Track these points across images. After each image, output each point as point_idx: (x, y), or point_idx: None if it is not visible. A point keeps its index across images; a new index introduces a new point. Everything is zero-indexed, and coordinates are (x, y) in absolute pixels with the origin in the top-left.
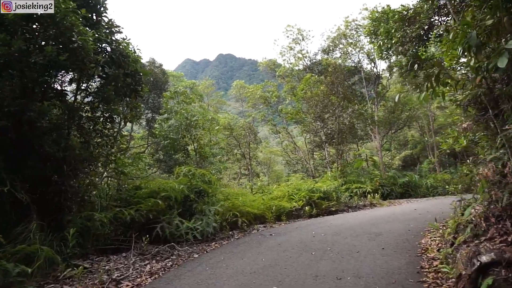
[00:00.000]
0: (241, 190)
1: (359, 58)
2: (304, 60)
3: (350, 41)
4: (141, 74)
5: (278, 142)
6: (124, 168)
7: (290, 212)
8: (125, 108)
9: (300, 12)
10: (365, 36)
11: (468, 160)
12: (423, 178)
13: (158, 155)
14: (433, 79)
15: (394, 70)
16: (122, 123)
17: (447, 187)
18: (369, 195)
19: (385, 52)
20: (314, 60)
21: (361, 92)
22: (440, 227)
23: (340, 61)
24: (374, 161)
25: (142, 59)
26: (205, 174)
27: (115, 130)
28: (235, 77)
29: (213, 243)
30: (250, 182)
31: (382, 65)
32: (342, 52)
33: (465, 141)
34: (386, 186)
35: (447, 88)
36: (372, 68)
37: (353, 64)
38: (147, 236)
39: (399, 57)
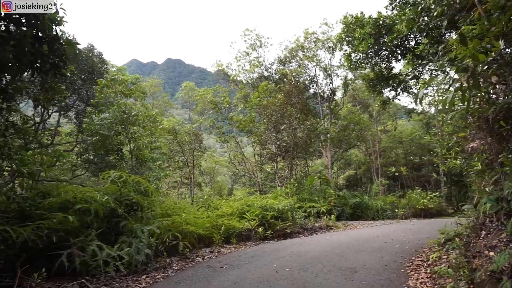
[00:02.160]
0: (184, 203)
1: (315, 72)
2: (260, 68)
3: (308, 54)
4: (62, 43)
5: (225, 151)
6: (24, 167)
7: (240, 232)
8: (39, 89)
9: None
10: (335, 43)
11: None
12: (372, 200)
13: (87, 155)
14: (468, 75)
15: (349, 88)
16: (46, 115)
17: (396, 210)
18: (324, 216)
19: (354, 62)
20: (270, 70)
21: (314, 107)
22: (422, 262)
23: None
24: (327, 179)
25: (66, 22)
26: (141, 182)
27: (23, 116)
28: (183, 83)
29: (144, 276)
30: (191, 192)
31: (337, 81)
32: (298, 64)
33: (480, 163)
34: (338, 206)
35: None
36: (328, 83)
37: (308, 78)
38: (45, 268)
39: (367, 70)
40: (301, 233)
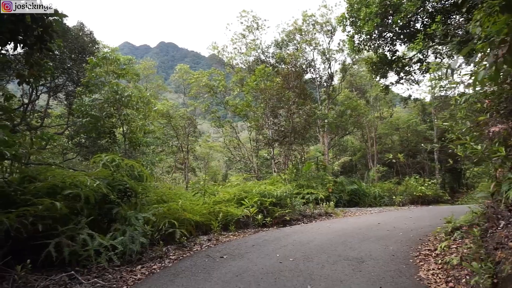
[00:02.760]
0: (180, 189)
1: (313, 56)
2: (257, 51)
3: (306, 37)
4: (47, 11)
5: (220, 136)
6: (7, 149)
7: (238, 220)
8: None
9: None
10: (338, 24)
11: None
12: (369, 187)
13: (79, 138)
14: (506, 49)
15: (347, 73)
16: (34, 96)
17: (393, 197)
18: (322, 203)
19: (357, 44)
20: (267, 53)
21: (311, 92)
22: (429, 252)
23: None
24: (325, 165)
25: None
26: (135, 166)
27: (6, 93)
28: (177, 66)
29: (139, 267)
30: (185, 177)
31: (335, 66)
32: (296, 48)
33: (504, 149)
34: (335, 192)
35: None
36: (326, 68)
37: (306, 62)
38: (30, 259)
39: (370, 53)
40: (300, 220)
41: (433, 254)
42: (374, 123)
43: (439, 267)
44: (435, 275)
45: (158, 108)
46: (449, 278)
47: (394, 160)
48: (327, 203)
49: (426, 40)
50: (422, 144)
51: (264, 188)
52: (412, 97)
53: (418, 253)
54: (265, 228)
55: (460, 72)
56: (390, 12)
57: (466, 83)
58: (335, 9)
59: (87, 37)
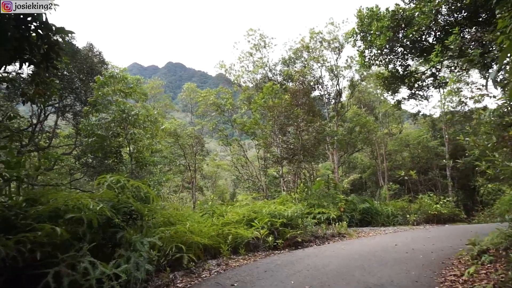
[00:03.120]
0: (187, 210)
1: (320, 73)
2: (264, 69)
3: (313, 54)
4: (53, 28)
5: (227, 154)
6: (10, 170)
7: (248, 242)
8: (31, 85)
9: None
10: (347, 39)
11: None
12: (382, 205)
13: (86, 158)
14: None
15: (356, 89)
16: (42, 116)
17: (407, 216)
18: (335, 223)
19: (368, 59)
20: (274, 71)
21: (320, 109)
22: (456, 278)
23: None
24: (335, 183)
25: (58, 6)
26: (141, 187)
27: (10, 112)
28: (184, 85)
29: None
30: (192, 196)
31: (343, 83)
32: (303, 65)
33: None
34: (346, 211)
35: None
36: (335, 84)
37: (313, 79)
38: None
39: (381, 68)
40: (312, 241)
41: (460, 280)
42: (383, 139)
43: None
44: None
45: (165, 127)
46: None
47: (406, 178)
48: (340, 223)
49: (445, 51)
50: (444, 160)
51: (274, 208)
52: (421, 113)
53: (443, 278)
54: (276, 251)
55: (486, 85)
56: (402, 25)
57: (495, 95)
58: (342, 26)
59: (96, 58)
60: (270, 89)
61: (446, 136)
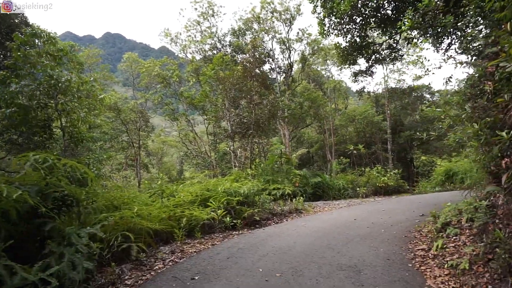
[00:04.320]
0: (133, 190)
1: (272, 45)
2: (213, 39)
3: (264, 26)
4: None
5: (174, 130)
6: None
7: (204, 223)
8: None
9: None
10: (297, 12)
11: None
12: (333, 179)
13: (10, 134)
14: None
15: (306, 63)
16: None
17: (357, 189)
18: (290, 199)
19: (327, 27)
20: (223, 42)
21: (271, 83)
22: (425, 253)
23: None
24: (289, 158)
25: None
26: (77, 167)
27: None
28: (125, 54)
29: None
30: (137, 174)
31: (294, 56)
32: (254, 37)
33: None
34: (299, 186)
35: None
36: (286, 58)
37: (264, 52)
38: None
39: (339, 37)
40: (270, 219)
41: (430, 255)
42: (332, 114)
43: (446, 273)
44: (446, 283)
45: (103, 97)
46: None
47: (354, 152)
48: (296, 198)
49: (416, 16)
50: (386, 135)
51: (229, 186)
52: (365, 89)
53: (412, 254)
54: (235, 231)
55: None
56: None
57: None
58: None
59: (17, 18)
60: (220, 60)
61: (388, 112)
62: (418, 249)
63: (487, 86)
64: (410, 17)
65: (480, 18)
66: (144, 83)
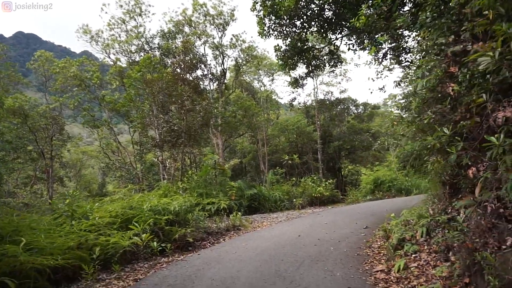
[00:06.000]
0: (27, 215)
1: (204, 51)
2: (140, 40)
3: (196, 29)
4: None
5: (95, 139)
6: None
7: (125, 250)
8: None
9: None
10: (232, 17)
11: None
12: (270, 190)
13: None
14: None
15: (240, 70)
16: None
17: (294, 200)
18: (226, 214)
19: (267, 27)
20: (152, 44)
21: (204, 89)
22: (386, 276)
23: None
24: (223, 169)
25: None
26: None
27: None
28: (36, 52)
29: None
30: (48, 190)
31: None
32: (185, 39)
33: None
34: (235, 199)
35: None
36: (220, 63)
37: (196, 57)
38: None
39: (279, 39)
40: (205, 239)
41: (392, 278)
42: (265, 124)
43: None
44: None
45: (7, 104)
46: None
47: (289, 162)
48: (234, 213)
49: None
50: (317, 145)
51: (157, 202)
52: (296, 100)
53: (372, 278)
54: (164, 257)
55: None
56: None
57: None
58: (228, 1)
59: None
60: (148, 61)
61: (318, 123)
62: (377, 271)
63: (449, 88)
64: (364, 13)
65: (436, 15)
66: (59, 85)
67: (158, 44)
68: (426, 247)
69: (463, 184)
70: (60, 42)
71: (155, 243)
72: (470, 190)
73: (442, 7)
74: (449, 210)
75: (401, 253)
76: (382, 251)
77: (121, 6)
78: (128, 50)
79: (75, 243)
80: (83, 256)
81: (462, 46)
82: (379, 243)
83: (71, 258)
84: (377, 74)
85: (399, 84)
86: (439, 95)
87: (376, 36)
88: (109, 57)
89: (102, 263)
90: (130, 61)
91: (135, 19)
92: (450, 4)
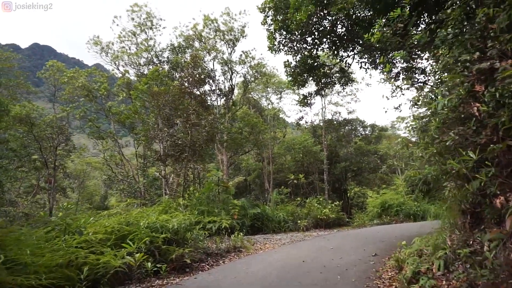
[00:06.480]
0: (13, 228)
1: (213, 66)
2: (150, 54)
3: (206, 45)
4: None
5: (100, 151)
6: None
7: (117, 271)
8: None
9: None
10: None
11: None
12: (274, 210)
13: None
14: None
15: (248, 87)
16: None
17: (298, 221)
18: (227, 233)
19: (277, 42)
20: (161, 57)
21: (211, 104)
22: None
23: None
24: (227, 186)
25: None
26: None
27: None
28: (48, 62)
29: None
30: (50, 200)
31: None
32: (194, 54)
33: None
34: (238, 218)
35: None
36: (228, 79)
37: (204, 72)
38: None
39: (289, 55)
40: (204, 261)
41: None
42: (271, 142)
43: None
44: None
45: (13, 112)
46: None
47: (295, 181)
48: (236, 233)
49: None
50: (323, 165)
51: (155, 219)
52: (303, 119)
53: None
54: (158, 280)
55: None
56: (325, 1)
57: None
58: (239, 18)
59: None
60: (155, 74)
61: (325, 143)
62: None
63: (474, 108)
64: (380, 26)
65: (459, 31)
66: (67, 94)
67: (167, 57)
68: (444, 282)
69: (487, 214)
70: (74, 55)
71: (149, 263)
72: (496, 222)
73: (465, 22)
74: (471, 242)
75: (416, 287)
76: (394, 283)
77: (133, 19)
78: (137, 62)
79: (64, 260)
80: (70, 276)
81: (489, 63)
82: (390, 274)
83: (57, 278)
84: (392, 92)
85: (416, 104)
86: (462, 116)
87: (390, 54)
88: (118, 69)
89: (90, 284)
90: (139, 73)
91: (145, 32)
92: (476, 19)
